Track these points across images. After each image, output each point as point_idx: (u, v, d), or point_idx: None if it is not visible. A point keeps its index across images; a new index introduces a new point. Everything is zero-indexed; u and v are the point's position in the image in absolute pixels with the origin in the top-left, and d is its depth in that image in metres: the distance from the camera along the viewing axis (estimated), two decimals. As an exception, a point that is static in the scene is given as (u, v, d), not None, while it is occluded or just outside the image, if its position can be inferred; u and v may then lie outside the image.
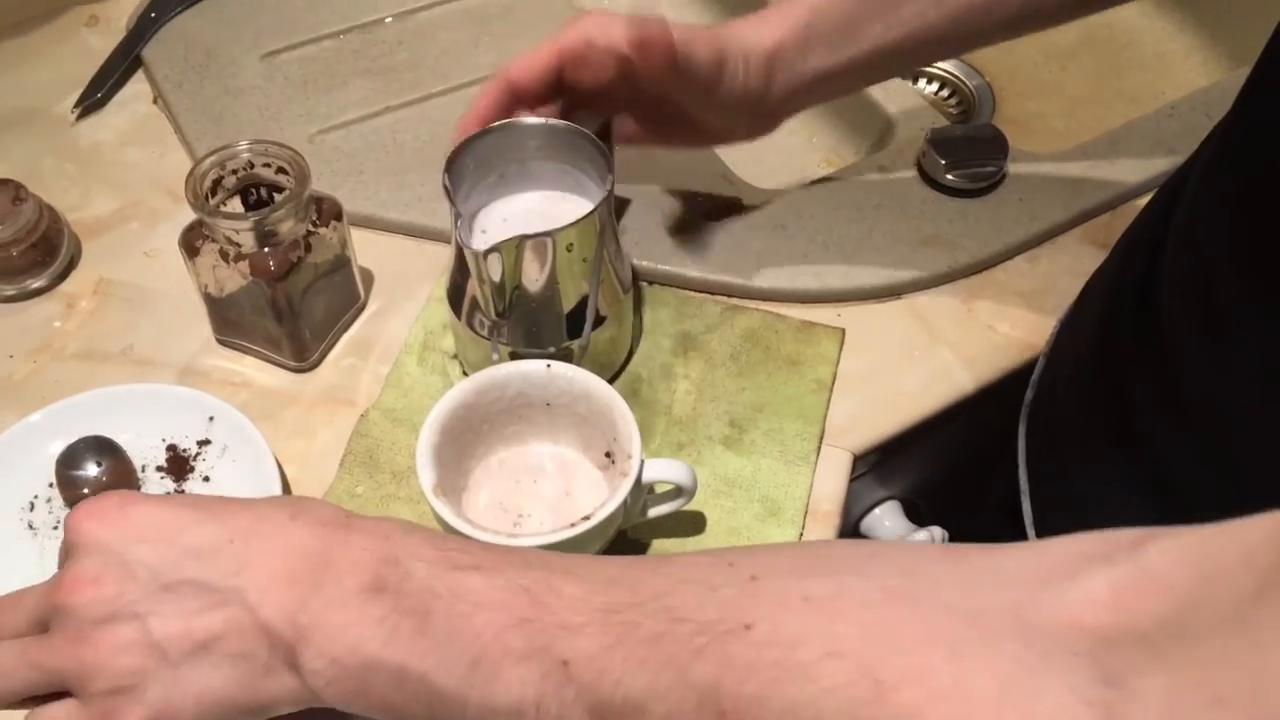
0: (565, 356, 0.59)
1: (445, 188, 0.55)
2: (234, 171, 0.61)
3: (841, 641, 0.29)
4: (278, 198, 0.61)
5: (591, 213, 0.54)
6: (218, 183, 0.61)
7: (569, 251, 0.55)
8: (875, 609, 0.30)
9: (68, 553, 0.40)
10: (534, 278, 0.56)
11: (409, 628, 0.36)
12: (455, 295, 0.60)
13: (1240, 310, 0.40)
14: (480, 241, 0.58)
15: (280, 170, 0.61)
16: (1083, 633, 0.26)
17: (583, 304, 0.58)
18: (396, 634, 0.36)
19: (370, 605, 0.37)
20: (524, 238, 0.53)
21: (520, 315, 0.57)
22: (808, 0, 0.58)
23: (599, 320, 0.59)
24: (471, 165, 0.58)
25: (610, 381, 0.56)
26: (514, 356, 0.58)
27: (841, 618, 0.30)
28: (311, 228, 0.61)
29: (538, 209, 0.60)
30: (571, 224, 0.54)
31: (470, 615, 0.36)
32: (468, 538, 0.45)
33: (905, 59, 0.59)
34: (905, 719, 0.27)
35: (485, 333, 0.59)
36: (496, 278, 0.55)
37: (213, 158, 0.60)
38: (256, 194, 0.63)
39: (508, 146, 0.58)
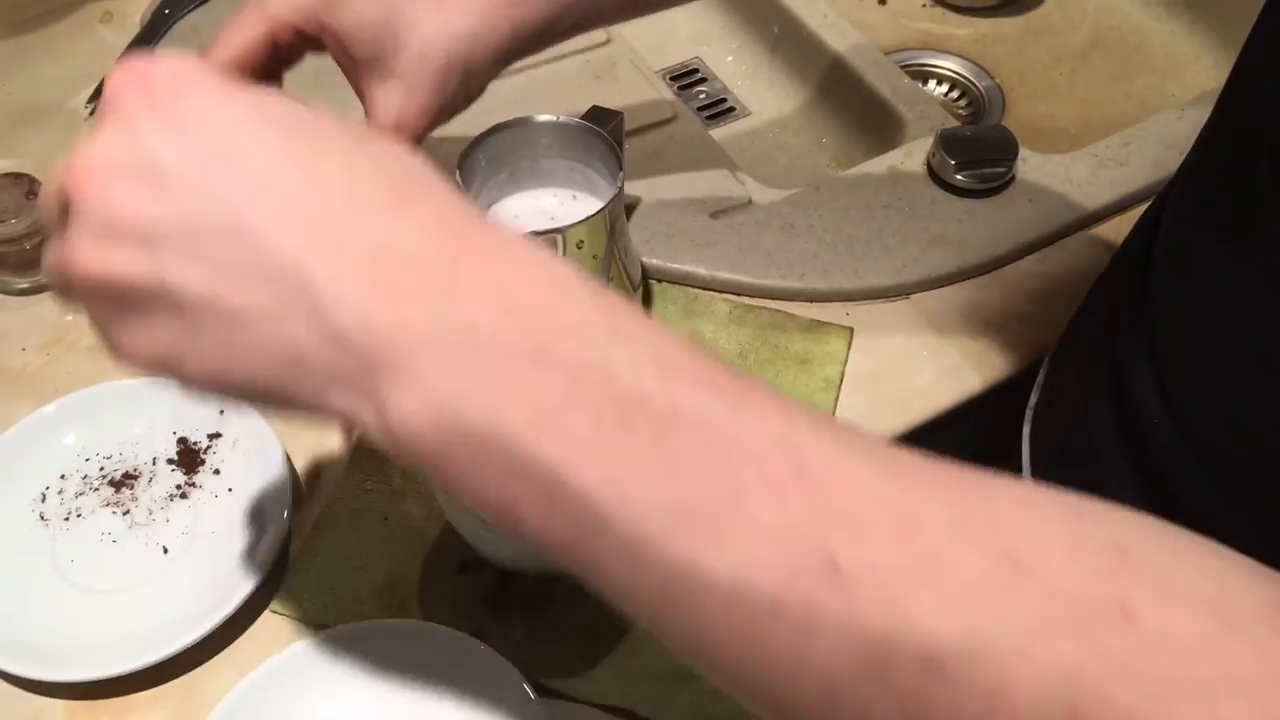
0: None
1: (457, 184, 0.55)
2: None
3: (1241, 666, 0.23)
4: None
5: (602, 210, 0.55)
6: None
7: (579, 249, 0.55)
8: (1271, 625, 0.24)
9: (102, 116, 0.31)
10: None
11: (586, 425, 0.26)
12: None
13: (1222, 302, 0.40)
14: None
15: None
16: None
17: None
18: (560, 426, 0.26)
19: (521, 374, 0.27)
20: (534, 234, 0.54)
21: None
22: None
23: None
24: (483, 162, 0.58)
25: None
26: None
27: (1238, 635, 0.24)
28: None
29: (549, 206, 0.61)
30: (582, 221, 0.54)
31: (697, 450, 0.26)
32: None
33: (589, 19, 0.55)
34: None
35: None
36: None
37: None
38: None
39: (520, 143, 0.59)
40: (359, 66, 0.50)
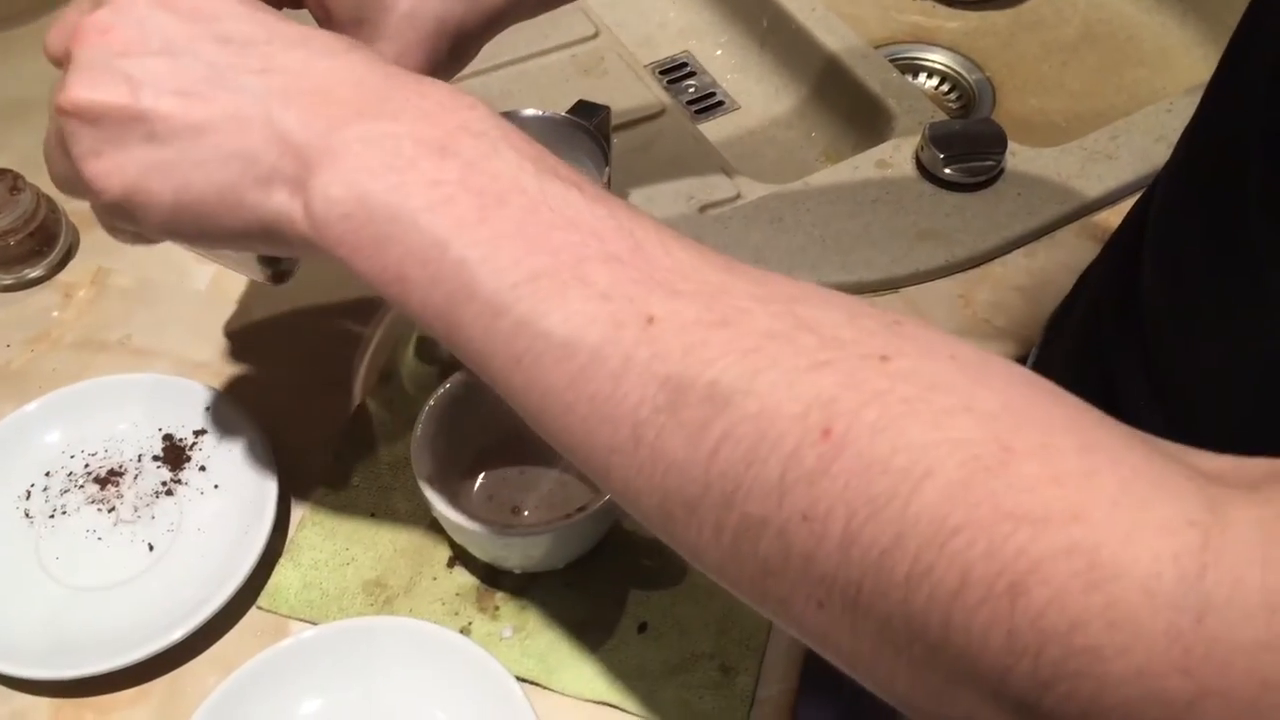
0: None
1: None
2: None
3: (980, 403, 0.27)
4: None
5: None
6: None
7: None
8: (1019, 387, 0.28)
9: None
10: None
11: (470, 206, 0.32)
12: None
13: (1210, 296, 0.40)
14: None
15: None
16: (1197, 469, 0.26)
17: None
18: (451, 205, 0.32)
19: (426, 162, 0.32)
20: None
21: None
22: None
23: None
24: None
25: None
26: None
27: (985, 384, 0.27)
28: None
29: None
30: None
31: (554, 227, 0.31)
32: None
33: None
34: (1021, 490, 0.25)
35: None
36: None
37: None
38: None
39: None
40: (341, 28, 0.47)
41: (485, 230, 0.31)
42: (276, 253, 0.38)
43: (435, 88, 0.35)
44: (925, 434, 0.26)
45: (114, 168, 0.35)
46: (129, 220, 0.37)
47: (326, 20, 0.48)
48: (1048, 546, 0.24)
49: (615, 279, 0.30)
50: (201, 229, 0.36)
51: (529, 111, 0.58)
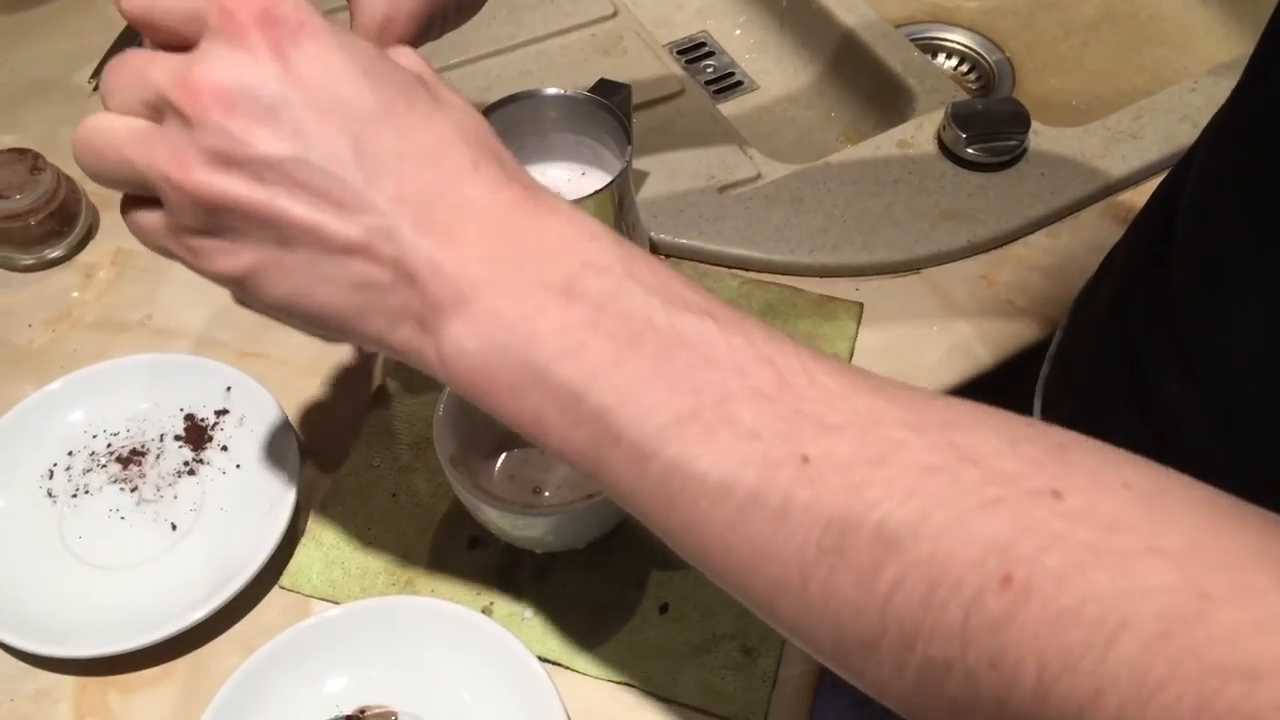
0: None
1: None
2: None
3: (1165, 541, 0.25)
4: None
5: (609, 185, 0.54)
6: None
7: None
8: (1202, 515, 0.26)
9: (213, 29, 0.33)
10: None
11: (604, 350, 0.31)
12: None
13: (1242, 274, 0.40)
14: None
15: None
16: None
17: None
18: (584, 351, 0.31)
19: (554, 307, 0.31)
20: None
21: None
22: None
23: None
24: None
25: None
26: None
27: (1165, 515, 0.26)
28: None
29: (556, 182, 0.60)
30: (589, 195, 0.54)
31: (693, 365, 0.30)
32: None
33: None
34: (1224, 642, 0.24)
35: None
36: None
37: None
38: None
39: (527, 118, 0.58)
40: None
41: (622, 374, 0.31)
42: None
43: (555, 218, 0.33)
44: (1114, 582, 0.25)
45: (229, 260, 0.34)
46: (233, 287, 0.36)
47: None
48: (1263, 702, 0.23)
49: (763, 416, 0.29)
50: (312, 326, 0.35)
51: (551, 90, 0.58)
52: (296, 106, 0.32)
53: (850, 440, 0.29)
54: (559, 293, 0.32)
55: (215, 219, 0.33)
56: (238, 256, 0.33)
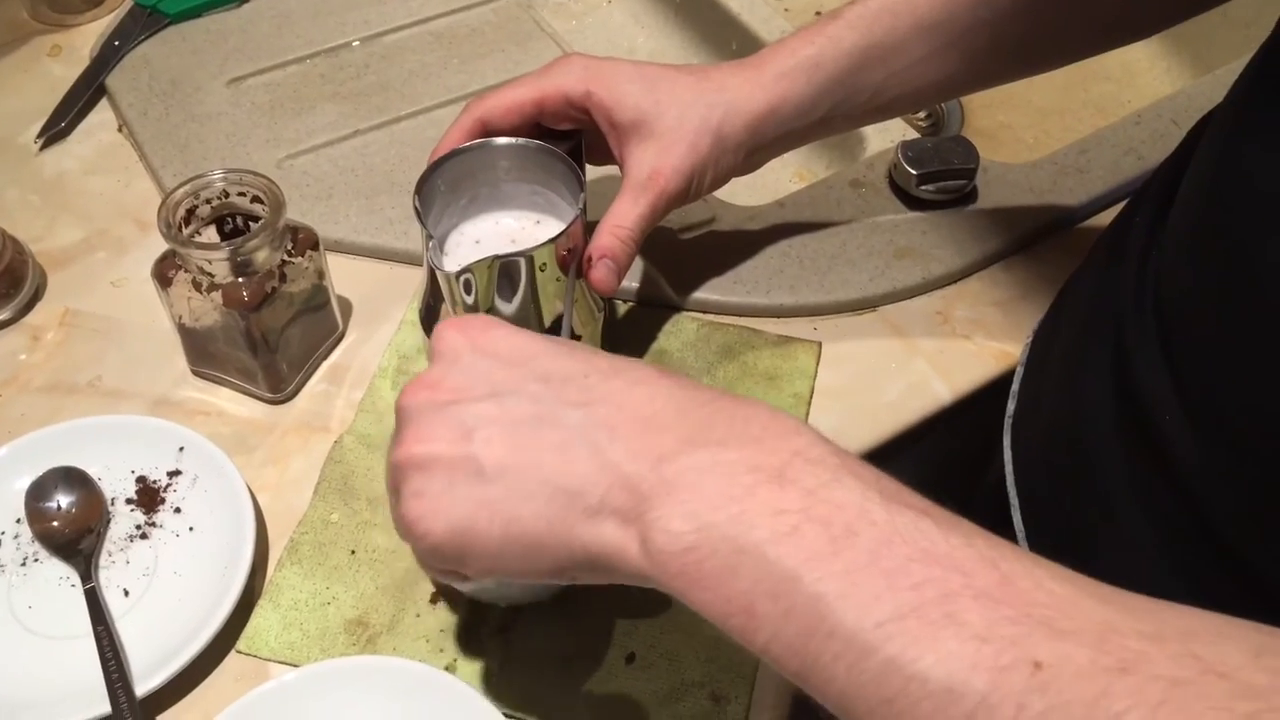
0: None
1: (416, 210, 0.55)
2: (208, 201, 0.60)
3: None
4: (253, 227, 0.60)
5: (564, 232, 0.54)
6: (191, 212, 0.60)
7: (542, 271, 0.55)
8: None
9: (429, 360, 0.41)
10: (508, 298, 0.55)
11: (819, 537, 0.30)
12: (429, 317, 0.59)
13: (1233, 292, 0.40)
14: (453, 263, 0.58)
15: (255, 199, 0.60)
16: None
17: (557, 323, 0.58)
18: (798, 536, 0.31)
19: (765, 490, 0.32)
20: (496, 258, 0.53)
21: None
22: (809, 54, 0.57)
23: (574, 339, 0.59)
24: (442, 187, 0.57)
25: None
26: None
27: None
28: (287, 257, 0.60)
29: (510, 231, 0.60)
30: (544, 243, 0.54)
31: (912, 560, 0.30)
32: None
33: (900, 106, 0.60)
34: None
35: None
36: (470, 299, 0.55)
37: (185, 187, 0.60)
38: (232, 223, 0.62)
39: (479, 168, 0.58)
40: (620, 131, 0.57)
41: (839, 563, 0.30)
42: (598, 581, 0.37)
43: (757, 410, 0.34)
44: None
45: (441, 508, 0.37)
46: (455, 562, 0.38)
47: (609, 126, 0.57)
48: None
49: (989, 618, 0.28)
50: (528, 563, 0.36)
51: (503, 141, 0.58)
52: (488, 366, 0.38)
53: (1085, 648, 0.27)
54: (770, 476, 0.32)
55: (426, 476, 0.37)
56: (451, 508, 0.37)
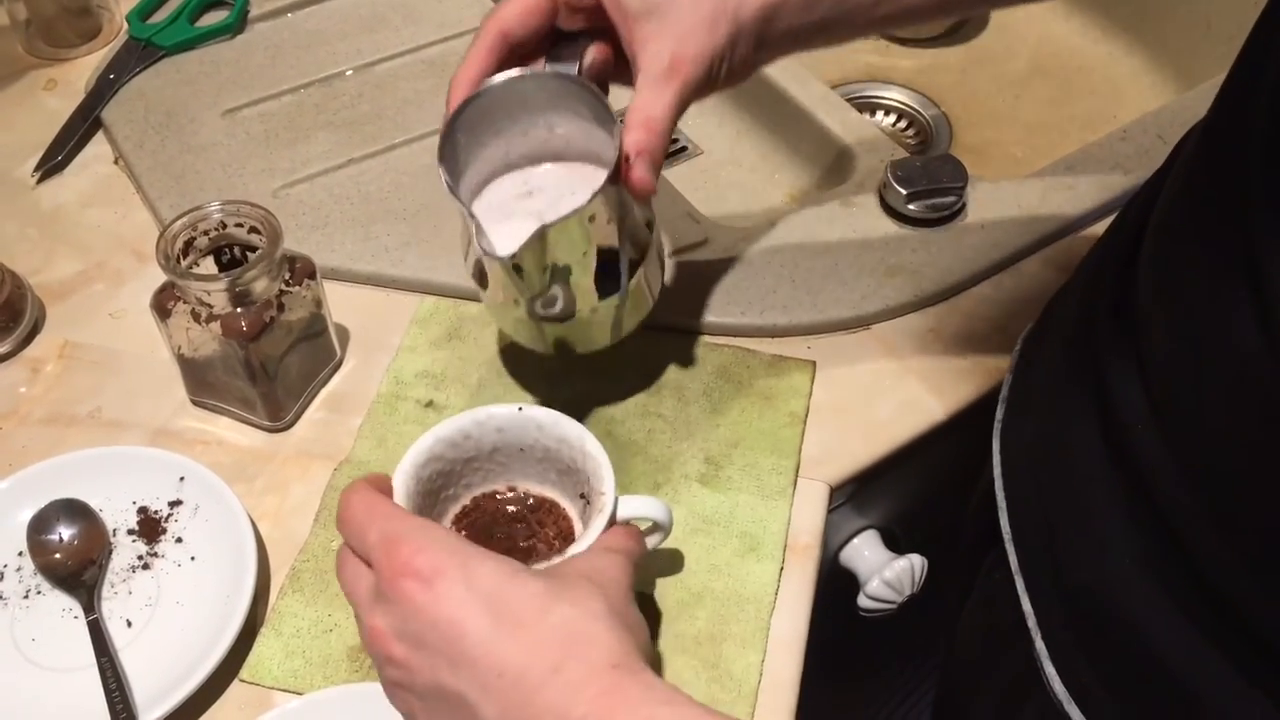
0: (608, 312, 0.58)
1: (448, 185, 0.52)
2: (205, 232, 0.61)
3: None
4: (251, 257, 0.61)
5: (606, 182, 0.51)
6: (189, 244, 0.60)
7: (591, 223, 0.53)
8: None
9: (383, 584, 0.43)
10: (564, 256, 0.53)
11: None
12: (480, 273, 0.57)
13: (1209, 307, 0.40)
14: (500, 236, 0.54)
15: (253, 230, 0.61)
16: None
17: (614, 259, 0.56)
18: None
19: None
20: (544, 229, 0.50)
21: (555, 289, 0.55)
22: None
23: (633, 266, 0.57)
24: (462, 140, 0.54)
25: (616, 342, 0.60)
26: (544, 320, 0.57)
27: None
28: (285, 287, 0.61)
29: (539, 179, 0.58)
30: (589, 200, 0.51)
31: None
32: None
33: (880, 21, 0.57)
34: None
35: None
36: (527, 268, 0.53)
37: (184, 219, 0.60)
38: (230, 254, 0.63)
39: (495, 109, 0.55)
40: (633, 19, 0.53)
41: None
42: None
43: (639, 691, 0.40)
44: None
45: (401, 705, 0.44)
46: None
47: (619, 14, 0.53)
48: None
49: None
50: None
51: (500, 77, 0.54)
52: (426, 636, 0.42)
53: None
54: None
55: (389, 679, 0.44)
56: (409, 706, 0.44)
